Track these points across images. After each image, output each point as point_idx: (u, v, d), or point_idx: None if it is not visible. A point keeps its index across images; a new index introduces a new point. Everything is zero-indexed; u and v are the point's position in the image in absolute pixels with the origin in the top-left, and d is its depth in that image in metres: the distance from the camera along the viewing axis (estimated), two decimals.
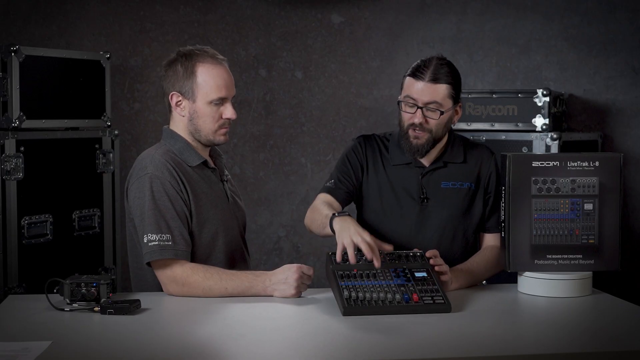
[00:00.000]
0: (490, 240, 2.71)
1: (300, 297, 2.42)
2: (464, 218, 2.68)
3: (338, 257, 2.33)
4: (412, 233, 2.66)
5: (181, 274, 2.42)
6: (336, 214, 2.45)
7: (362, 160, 2.75)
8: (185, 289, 2.42)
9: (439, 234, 2.65)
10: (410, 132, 2.62)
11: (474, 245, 2.74)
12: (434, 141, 2.64)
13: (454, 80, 2.63)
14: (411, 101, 2.60)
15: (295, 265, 2.42)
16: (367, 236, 2.31)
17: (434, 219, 2.67)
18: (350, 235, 2.32)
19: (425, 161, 2.71)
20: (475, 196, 2.70)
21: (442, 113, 2.59)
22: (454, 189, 2.68)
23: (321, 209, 2.60)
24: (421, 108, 2.59)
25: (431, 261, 2.45)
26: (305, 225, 2.74)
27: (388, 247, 2.43)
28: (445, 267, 2.47)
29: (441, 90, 2.59)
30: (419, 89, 2.59)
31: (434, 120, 2.60)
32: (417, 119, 2.59)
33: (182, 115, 2.58)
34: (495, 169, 2.72)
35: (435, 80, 2.58)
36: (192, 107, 2.56)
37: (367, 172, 2.74)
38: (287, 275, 2.40)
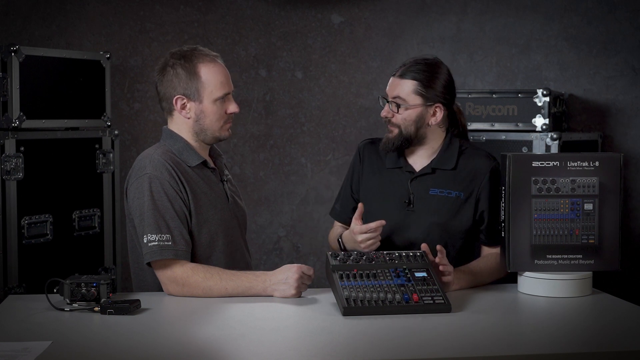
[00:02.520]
0: (493, 250, 2.69)
1: (300, 297, 2.42)
2: (450, 226, 2.66)
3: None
4: (396, 236, 2.66)
5: (181, 274, 2.42)
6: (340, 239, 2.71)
7: (359, 169, 2.82)
8: (185, 289, 2.42)
9: (421, 239, 2.61)
10: (388, 127, 2.70)
11: (462, 254, 2.70)
12: (405, 139, 2.66)
13: (427, 79, 2.64)
14: (385, 96, 2.71)
15: (295, 265, 2.42)
16: (361, 233, 2.52)
17: (418, 224, 2.66)
18: (366, 243, 2.53)
19: (416, 165, 2.71)
20: (463, 206, 2.67)
21: (399, 106, 2.64)
22: (442, 197, 2.67)
23: (333, 238, 2.83)
24: (388, 102, 2.68)
25: (437, 259, 2.45)
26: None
27: (378, 223, 2.52)
28: (449, 268, 2.46)
29: (405, 85, 2.65)
30: (390, 83, 2.70)
31: (398, 115, 2.65)
32: (384, 112, 2.70)
33: (188, 117, 2.57)
34: (491, 186, 2.66)
35: (401, 75, 2.66)
36: (198, 107, 2.56)
37: (362, 177, 2.80)
38: (287, 275, 2.40)
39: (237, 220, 2.68)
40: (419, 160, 2.71)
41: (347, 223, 2.79)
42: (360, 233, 2.52)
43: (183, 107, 2.57)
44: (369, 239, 2.52)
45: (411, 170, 2.71)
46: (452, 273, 2.48)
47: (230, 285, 2.41)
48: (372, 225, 2.50)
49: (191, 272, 2.43)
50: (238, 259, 2.65)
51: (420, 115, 2.65)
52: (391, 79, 2.69)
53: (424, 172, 2.69)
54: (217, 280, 2.42)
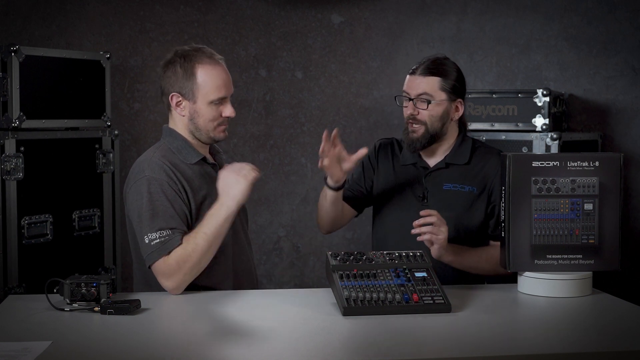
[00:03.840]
0: (498, 243, 2.70)
1: (256, 176, 2.44)
2: (464, 220, 2.69)
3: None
4: (411, 231, 2.67)
5: (171, 257, 2.42)
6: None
7: (374, 163, 2.86)
8: (183, 267, 2.41)
9: None
10: (409, 126, 2.72)
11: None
12: (431, 136, 2.71)
13: (448, 75, 2.71)
14: (405, 95, 2.73)
15: (224, 170, 2.47)
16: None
17: None
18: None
19: (431, 162, 2.75)
20: (476, 200, 2.71)
21: (429, 102, 2.68)
22: (455, 191, 2.70)
23: (320, 197, 2.79)
24: (413, 100, 2.70)
25: (422, 212, 2.51)
26: (319, 227, 2.89)
27: (362, 151, 2.58)
28: (434, 212, 2.51)
29: (431, 82, 2.69)
30: (411, 82, 2.73)
31: (425, 112, 2.69)
32: (409, 110, 2.71)
33: (183, 115, 2.61)
34: (501, 180, 2.70)
35: (425, 73, 2.70)
36: (192, 107, 2.59)
37: (377, 174, 2.84)
38: (224, 182, 2.44)
39: (238, 215, 2.69)
40: (433, 155, 2.78)
41: (348, 199, 2.83)
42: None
43: (178, 104, 2.60)
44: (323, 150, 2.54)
45: (425, 165, 2.77)
46: (442, 226, 2.52)
47: (205, 228, 2.43)
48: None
49: (174, 251, 2.42)
50: (241, 252, 2.67)
51: (446, 110, 2.72)
52: (409, 77, 2.73)
53: (438, 167, 2.75)
54: (195, 236, 2.43)
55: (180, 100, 2.59)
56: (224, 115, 2.60)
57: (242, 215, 2.72)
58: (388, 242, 2.76)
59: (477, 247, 2.73)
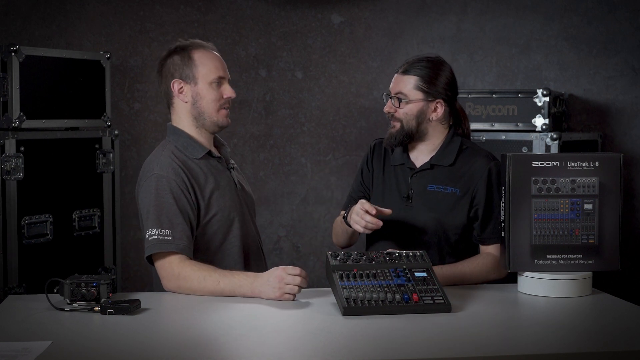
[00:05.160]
0: (488, 249, 2.70)
1: (292, 300, 2.37)
2: (445, 221, 2.68)
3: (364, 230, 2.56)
4: (395, 231, 2.69)
5: (177, 265, 2.45)
6: (345, 213, 2.67)
7: (370, 167, 2.87)
8: (181, 282, 2.43)
9: (422, 236, 2.66)
10: (390, 122, 2.76)
11: (464, 252, 2.71)
12: (407, 134, 2.71)
13: (428, 75, 2.69)
14: (389, 93, 2.77)
15: (280, 267, 2.41)
16: (361, 207, 2.53)
17: (419, 220, 2.69)
18: (355, 218, 2.54)
19: (418, 162, 2.75)
20: (458, 202, 2.69)
21: (400, 101, 2.70)
22: (439, 192, 2.70)
23: (337, 221, 2.85)
24: (391, 98, 2.74)
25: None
26: (335, 244, 2.93)
27: (387, 211, 2.56)
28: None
29: (407, 80, 2.71)
30: (392, 80, 2.76)
31: (400, 110, 2.71)
32: (386, 107, 2.75)
33: (185, 101, 2.65)
34: (487, 184, 2.68)
35: (404, 72, 2.73)
36: (194, 90, 2.64)
37: (373, 176, 2.85)
38: (269, 277, 2.39)
39: (246, 206, 2.73)
40: (420, 156, 2.77)
41: None
42: (364, 209, 2.52)
43: (180, 90, 2.65)
44: (366, 219, 2.52)
45: (412, 166, 2.76)
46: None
47: (223, 280, 2.42)
48: (374, 211, 2.52)
49: (188, 264, 2.45)
50: (250, 243, 2.70)
51: (422, 110, 2.70)
52: (395, 75, 2.76)
53: (423, 168, 2.74)
54: (211, 272, 2.43)
55: (182, 87, 2.64)
56: (224, 96, 2.66)
57: (249, 206, 2.76)
58: (376, 241, 2.76)
59: (462, 250, 2.71)
